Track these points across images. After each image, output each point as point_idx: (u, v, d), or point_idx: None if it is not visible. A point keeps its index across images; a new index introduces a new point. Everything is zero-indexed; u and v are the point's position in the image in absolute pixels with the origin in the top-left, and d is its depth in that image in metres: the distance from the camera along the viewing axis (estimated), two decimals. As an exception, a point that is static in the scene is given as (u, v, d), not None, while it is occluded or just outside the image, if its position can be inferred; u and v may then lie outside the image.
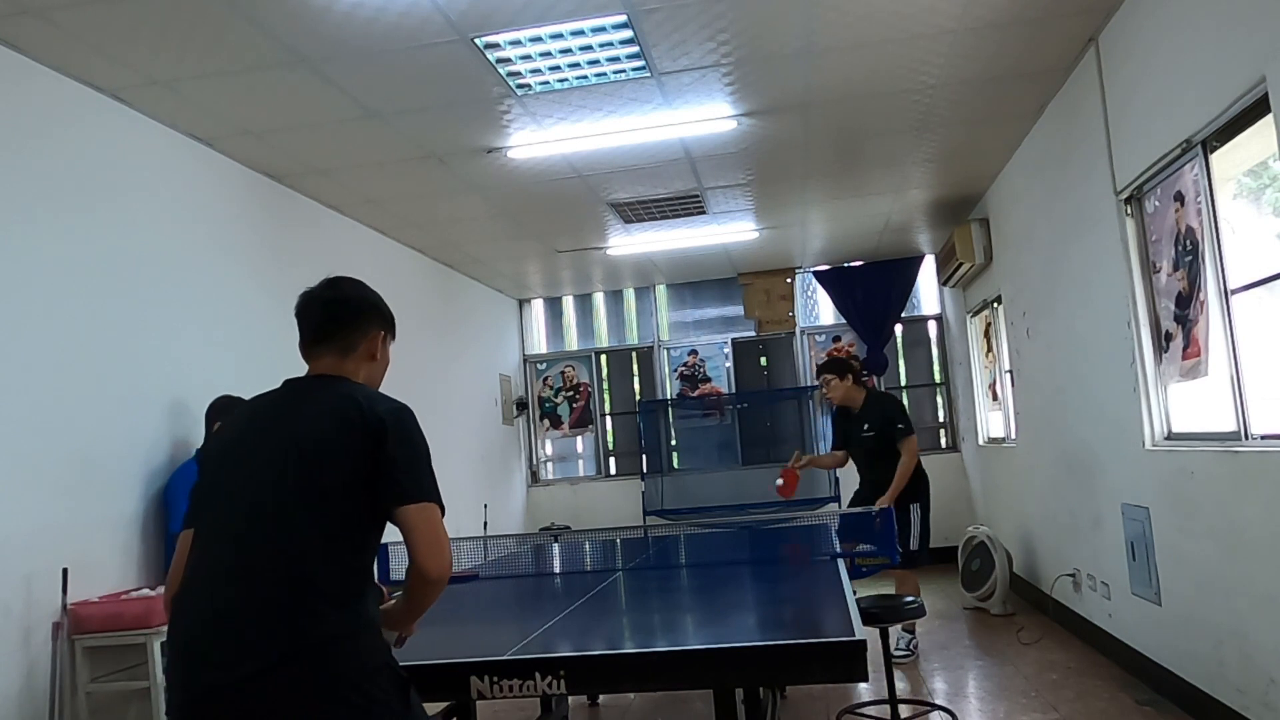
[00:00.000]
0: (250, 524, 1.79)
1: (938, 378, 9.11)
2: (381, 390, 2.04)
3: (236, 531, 1.80)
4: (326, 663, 1.72)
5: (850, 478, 8.59)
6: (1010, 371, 6.61)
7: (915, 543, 5.18)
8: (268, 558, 1.76)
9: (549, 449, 9.65)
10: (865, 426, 5.32)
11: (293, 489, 1.79)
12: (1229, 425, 3.41)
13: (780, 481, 5.22)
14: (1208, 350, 3.59)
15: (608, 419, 9.56)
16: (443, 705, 3.34)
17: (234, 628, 1.72)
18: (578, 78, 4.20)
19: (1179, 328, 3.83)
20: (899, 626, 4.83)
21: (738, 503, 8.18)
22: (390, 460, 1.82)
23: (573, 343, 9.64)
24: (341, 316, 2.05)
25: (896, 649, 5.06)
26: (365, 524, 1.85)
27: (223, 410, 3.94)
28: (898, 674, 4.44)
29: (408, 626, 1.99)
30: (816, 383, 5.54)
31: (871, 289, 8.80)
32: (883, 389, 9.00)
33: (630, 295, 9.54)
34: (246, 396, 2.16)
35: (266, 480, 1.81)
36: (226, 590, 1.76)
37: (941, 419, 9.10)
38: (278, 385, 2.03)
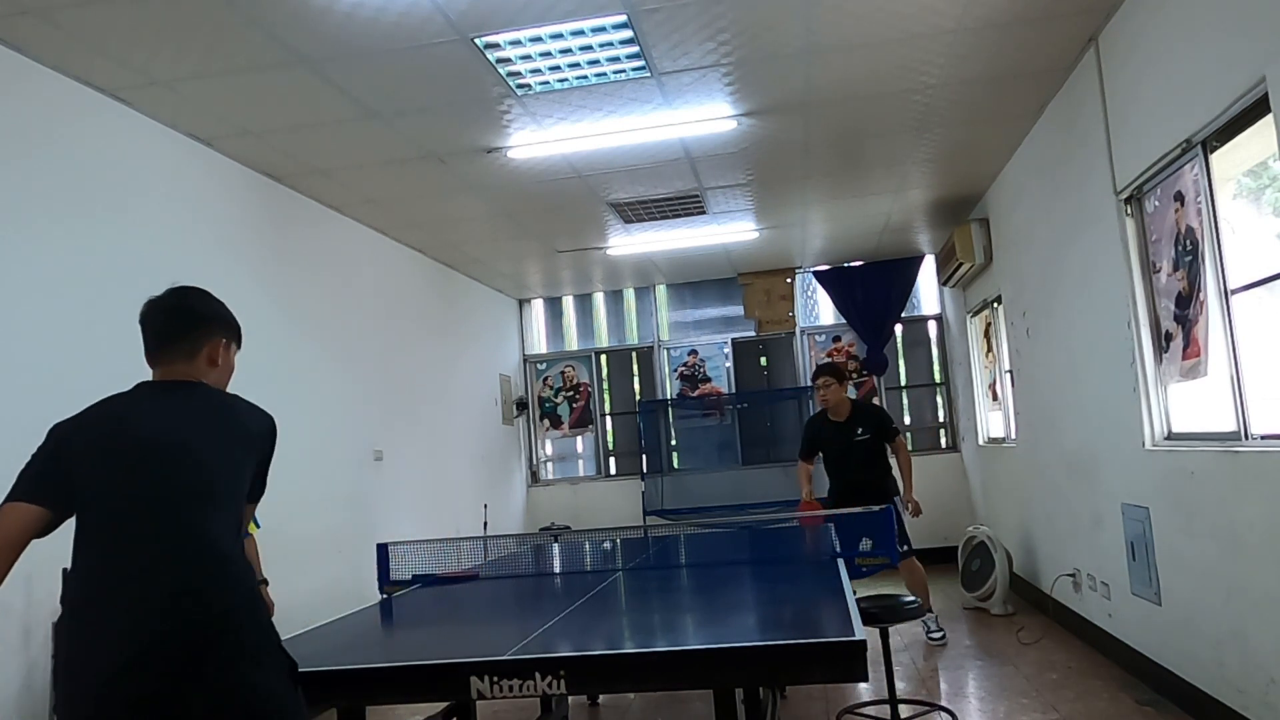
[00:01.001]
0: (175, 523, 1.91)
1: (938, 378, 9.11)
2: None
3: (160, 532, 1.89)
4: (246, 633, 1.91)
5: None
6: (1010, 371, 6.61)
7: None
8: (193, 551, 1.90)
9: (549, 449, 9.65)
10: (860, 430, 5.57)
11: (208, 490, 1.96)
12: (1229, 425, 3.41)
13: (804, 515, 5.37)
14: (1208, 350, 3.59)
15: (608, 419, 9.56)
16: (443, 705, 3.34)
17: (172, 623, 1.83)
18: (578, 78, 4.20)
19: (1179, 328, 3.83)
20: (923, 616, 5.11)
21: (738, 503, 8.18)
22: (264, 465, 2.12)
23: (573, 343, 9.64)
24: (182, 323, 2.13)
25: (930, 635, 5.54)
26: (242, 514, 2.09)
27: None
28: (898, 674, 4.44)
29: None
30: (814, 384, 5.63)
31: (871, 289, 8.80)
32: (883, 389, 9.03)
33: (630, 295, 9.54)
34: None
35: (185, 484, 1.95)
36: (162, 596, 1.85)
37: (941, 419, 9.10)
38: (131, 388, 2.12)
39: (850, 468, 5.61)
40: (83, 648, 1.82)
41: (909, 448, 6.00)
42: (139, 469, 1.93)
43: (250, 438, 2.07)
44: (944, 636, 5.58)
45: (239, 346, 2.23)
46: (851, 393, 6.72)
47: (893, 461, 5.72)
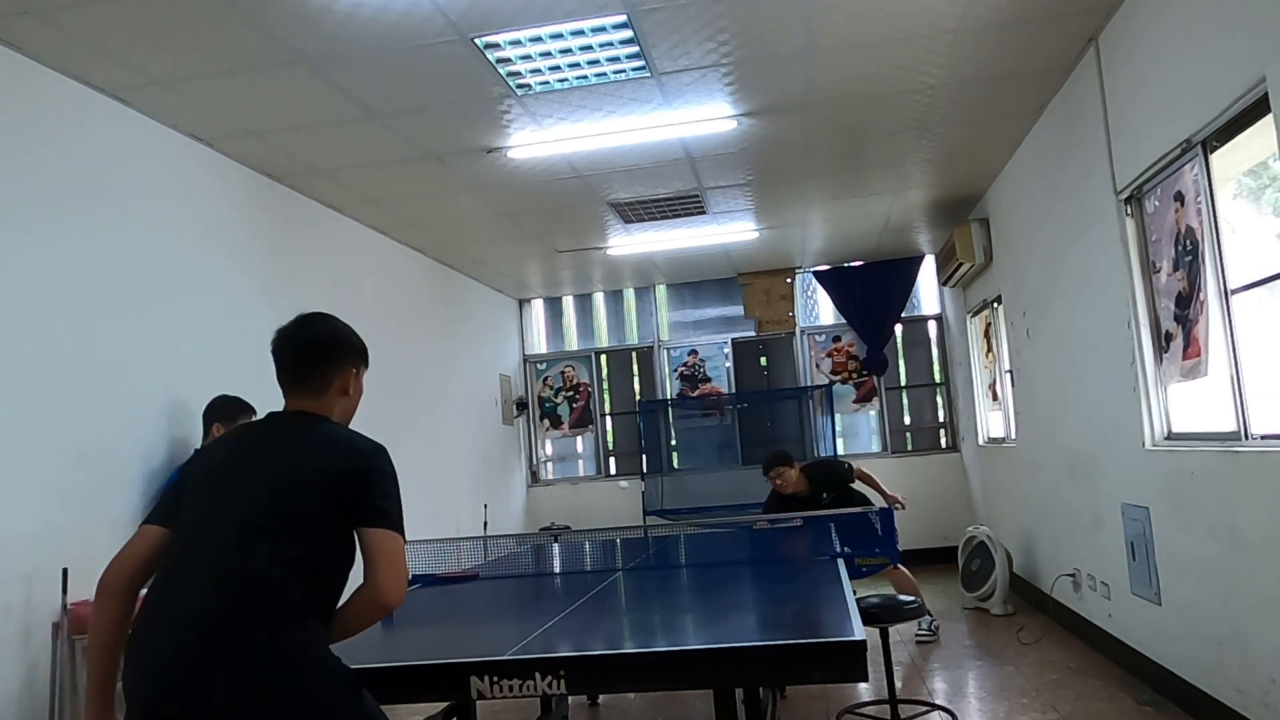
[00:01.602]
0: (231, 537, 1.87)
1: (938, 378, 9.10)
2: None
3: (216, 545, 1.87)
4: (286, 673, 1.82)
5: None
6: (1010, 371, 6.61)
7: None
8: (239, 578, 1.84)
9: (549, 449, 9.65)
10: (825, 495, 5.60)
11: (273, 509, 1.90)
12: (1229, 425, 3.41)
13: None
14: (1208, 350, 3.59)
15: (608, 419, 9.56)
16: (443, 705, 3.34)
17: (203, 638, 1.79)
18: (578, 78, 4.20)
19: (1179, 328, 3.83)
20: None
21: (738, 503, 8.18)
22: (368, 493, 1.96)
23: (573, 343, 9.64)
24: (312, 359, 2.13)
25: (919, 631, 5.55)
26: (338, 552, 1.96)
27: (221, 409, 3.93)
28: (898, 674, 4.44)
29: (341, 636, 2.01)
30: (767, 478, 5.60)
31: (871, 289, 8.80)
32: (883, 389, 9.04)
33: (630, 295, 9.54)
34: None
35: (249, 502, 1.91)
36: (203, 601, 1.82)
37: (941, 419, 9.10)
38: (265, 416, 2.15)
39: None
40: (128, 658, 1.86)
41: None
42: (213, 497, 1.95)
43: (325, 474, 1.95)
44: (934, 635, 5.59)
45: (366, 367, 2.24)
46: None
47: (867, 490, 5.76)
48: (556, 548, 5.66)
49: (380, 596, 1.91)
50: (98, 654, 1.92)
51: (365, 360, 2.23)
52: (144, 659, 1.82)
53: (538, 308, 9.70)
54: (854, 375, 9.10)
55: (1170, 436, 4.02)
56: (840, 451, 8.86)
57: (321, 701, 1.84)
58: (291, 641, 1.83)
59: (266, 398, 2.34)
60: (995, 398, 7.34)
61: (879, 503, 5.56)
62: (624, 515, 8.84)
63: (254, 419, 2.12)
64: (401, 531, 1.98)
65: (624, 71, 4.17)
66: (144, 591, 1.95)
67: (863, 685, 4.50)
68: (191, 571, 1.87)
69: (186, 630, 1.79)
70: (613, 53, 3.98)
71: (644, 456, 9.02)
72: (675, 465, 9.18)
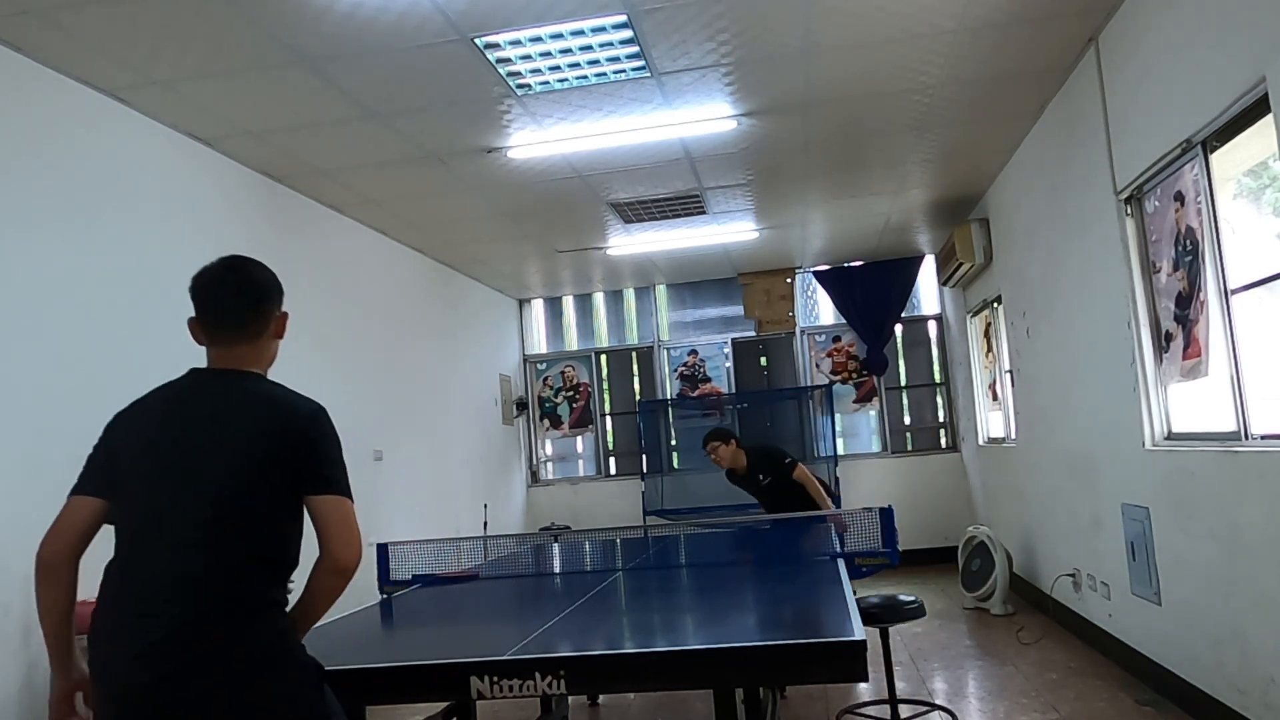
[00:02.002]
0: (189, 533, 1.84)
1: (938, 378, 9.10)
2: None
3: (175, 540, 1.84)
4: (259, 672, 1.82)
5: (852, 478, 8.63)
6: (1010, 371, 6.61)
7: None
8: (202, 579, 1.82)
9: (549, 449, 9.65)
10: (761, 476, 5.65)
11: (228, 503, 1.85)
12: (1229, 425, 3.41)
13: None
14: (1208, 350, 3.59)
15: (608, 419, 9.56)
16: (443, 705, 3.34)
17: (172, 643, 1.78)
18: (578, 78, 4.20)
19: (1179, 328, 3.83)
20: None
21: (738, 503, 8.16)
22: (313, 459, 1.93)
23: (573, 343, 9.64)
24: (251, 300, 2.05)
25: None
26: (289, 527, 1.93)
27: None
28: (898, 674, 4.44)
29: (306, 623, 1.98)
30: (711, 444, 5.71)
31: (871, 289, 8.80)
32: (883, 389, 9.04)
33: (630, 295, 9.54)
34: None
35: (202, 493, 1.86)
36: (167, 603, 1.80)
37: (941, 419, 9.10)
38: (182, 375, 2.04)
39: (779, 508, 5.59)
40: (93, 663, 1.85)
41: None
42: (159, 486, 1.88)
43: (271, 449, 1.89)
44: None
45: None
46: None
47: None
48: (556, 548, 5.66)
49: (338, 563, 1.89)
50: (52, 629, 1.93)
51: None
52: (113, 665, 1.80)
53: (538, 308, 9.70)
54: (854, 375, 9.10)
55: (1170, 436, 4.02)
56: (840, 452, 8.86)
57: (298, 695, 1.87)
58: (261, 639, 1.83)
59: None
60: (995, 398, 7.34)
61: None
62: (624, 515, 8.84)
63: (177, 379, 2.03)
64: (349, 494, 1.96)
65: (624, 71, 4.17)
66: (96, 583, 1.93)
67: (863, 685, 4.49)
68: (151, 572, 1.84)
69: (155, 632, 1.78)
70: (613, 53, 3.98)
71: (644, 456, 9.02)
72: (675, 465, 9.18)
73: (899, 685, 4.23)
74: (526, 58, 3.96)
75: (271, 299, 2.10)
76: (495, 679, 2.20)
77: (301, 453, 1.91)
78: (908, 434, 9.12)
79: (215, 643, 1.79)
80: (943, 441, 9.05)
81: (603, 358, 9.58)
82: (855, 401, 9.12)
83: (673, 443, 9.21)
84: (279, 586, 1.92)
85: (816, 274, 8.99)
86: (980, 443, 7.93)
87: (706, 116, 4.78)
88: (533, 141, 4.94)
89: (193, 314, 2.04)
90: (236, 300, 2.03)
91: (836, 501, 8.18)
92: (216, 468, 1.87)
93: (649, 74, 4.21)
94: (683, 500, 8.71)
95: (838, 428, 8.99)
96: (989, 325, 7.36)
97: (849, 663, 2.11)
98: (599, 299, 9.59)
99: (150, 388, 2.07)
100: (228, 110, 4.22)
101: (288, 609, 1.93)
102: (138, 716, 1.77)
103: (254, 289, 2.06)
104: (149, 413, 2.00)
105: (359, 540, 1.93)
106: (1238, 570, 3.33)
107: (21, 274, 3.43)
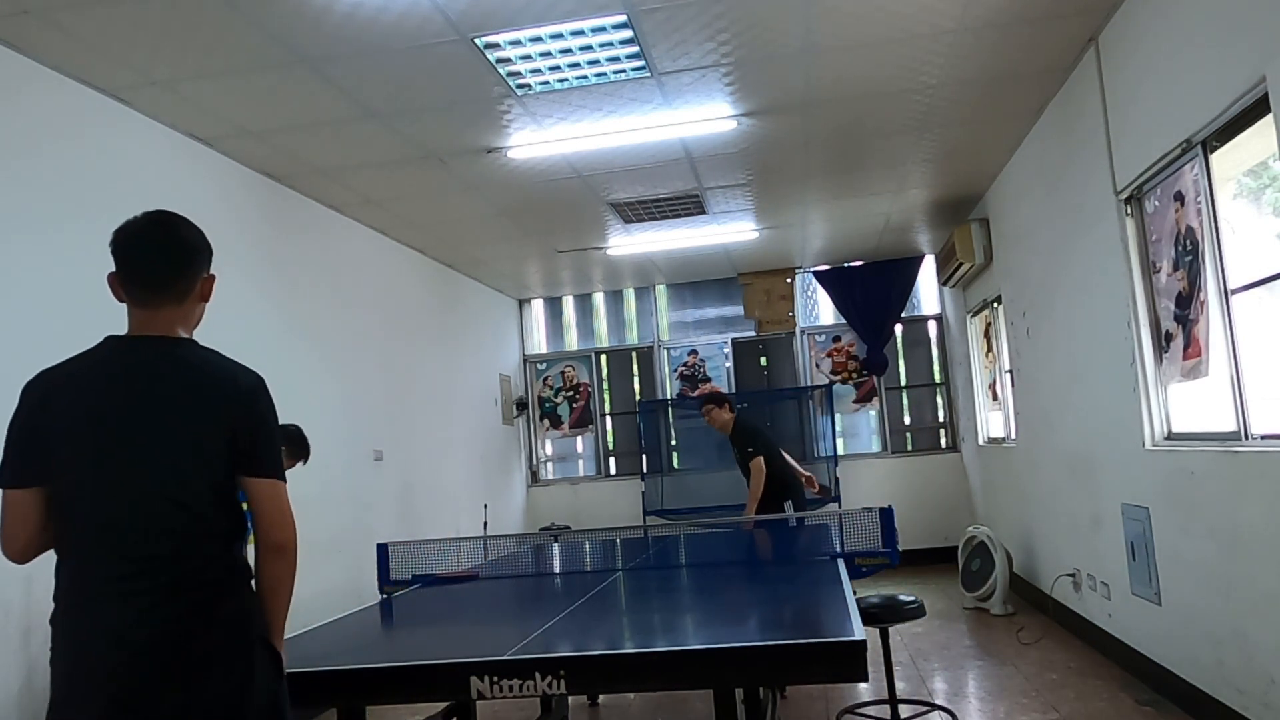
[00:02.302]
0: (151, 514, 1.79)
1: (938, 378, 9.10)
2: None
3: (136, 523, 1.79)
4: (221, 633, 1.81)
5: (852, 477, 8.63)
6: (1010, 371, 6.61)
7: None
8: (177, 584, 1.79)
9: (549, 449, 9.65)
10: (736, 449, 6.00)
11: (187, 480, 1.81)
12: (1229, 425, 3.41)
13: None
14: (1208, 350, 3.59)
15: (608, 419, 9.56)
16: (443, 705, 3.34)
17: (149, 610, 1.76)
18: (578, 78, 4.20)
19: (1179, 328, 3.83)
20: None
21: (738, 502, 8.16)
22: (253, 438, 1.86)
23: (573, 343, 9.64)
24: (179, 258, 1.94)
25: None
26: (238, 509, 1.90)
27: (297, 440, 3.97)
28: (898, 674, 4.44)
29: (278, 619, 1.95)
30: (705, 406, 6.03)
31: (871, 289, 8.80)
32: (883, 389, 9.04)
33: (630, 295, 9.54)
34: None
35: (157, 472, 1.80)
36: (139, 580, 1.77)
37: (941, 419, 9.10)
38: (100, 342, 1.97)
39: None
40: (60, 666, 1.80)
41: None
42: (104, 475, 1.80)
43: (216, 429, 1.83)
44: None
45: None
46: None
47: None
48: (556, 548, 5.66)
49: (274, 542, 1.87)
50: None
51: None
52: (92, 645, 1.75)
53: (538, 308, 9.70)
54: (854, 375, 9.10)
55: (1170, 436, 4.02)
56: (840, 452, 8.85)
57: (278, 688, 1.90)
58: (233, 612, 1.84)
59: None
60: (995, 398, 7.34)
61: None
62: (624, 515, 8.84)
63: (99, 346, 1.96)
64: (283, 476, 1.91)
65: (624, 71, 4.17)
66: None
67: (863, 685, 4.49)
68: (115, 573, 1.77)
69: (131, 613, 1.75)
70: (613, 53, 3.98)
71: (644, 456, 9.01)
72: (675, 465, 9.18)
73: (899, 685, 4.22)
74: (526, 58, 3.96)
75: (201, 259, 2.00)
76: (495, 679, 2.20)
77: (243, 430, 1.85)
78: (908, 434, 9.12)
79: (194, 619, 1.78)
80: (943, 441, 9.05)
81: (603, 358, 9.58)
82: (855, 401, 9.11)
83: (673, 443, 9.21)
84: (241, 573, 1.90)
85: (816, 274, 8.99)
86: (980, 443, 7.93)
87: (706, 116, 4.78)
88: (533, 141, 4.94)
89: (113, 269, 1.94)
90: (163, 258, 1.93)
91: (837, 501, 8.22)
92: (168, 445, 1.80)
93: (649, 74, 4.21)
94: (683, 500, 8.71)
95: (838, 428, 8.99)
96: (989, 325, 7.36)
97: (849, 663, 2.12)
98: (599, 299, 9.59)
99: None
100: (228, 110, 4.22)
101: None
102: (116, 697, 1.74)
103: (182, 248, 1.96)
104: (79, 385, 1.87)
105: (292, 520, 1.89)
106: (1238, 570, 3.33)
107: (22, 274, 3.43)
